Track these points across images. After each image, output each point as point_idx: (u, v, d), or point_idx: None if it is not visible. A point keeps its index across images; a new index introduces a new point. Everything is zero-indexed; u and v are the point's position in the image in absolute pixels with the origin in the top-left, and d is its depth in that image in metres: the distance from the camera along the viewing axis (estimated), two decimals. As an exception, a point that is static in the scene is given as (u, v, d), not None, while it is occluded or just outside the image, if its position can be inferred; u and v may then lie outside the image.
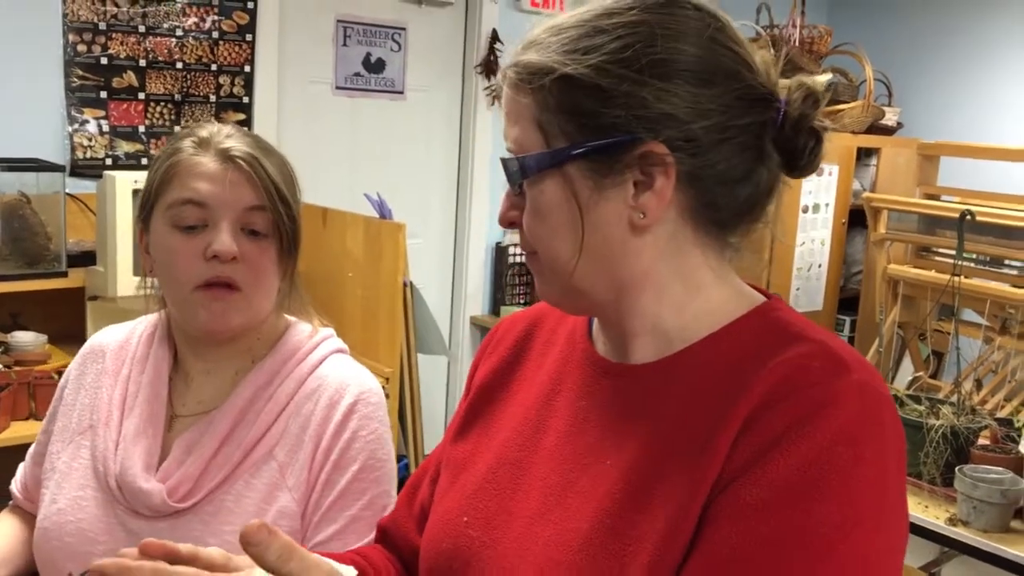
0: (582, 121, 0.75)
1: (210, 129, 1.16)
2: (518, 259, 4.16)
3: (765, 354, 0.75)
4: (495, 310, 4.16)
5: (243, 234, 1.13)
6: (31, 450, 1.31)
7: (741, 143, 0.77)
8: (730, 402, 0.73)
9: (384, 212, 3.02)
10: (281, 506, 1.11)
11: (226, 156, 1.13)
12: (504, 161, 0.80)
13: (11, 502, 1.32)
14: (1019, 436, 2.25)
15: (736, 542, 0.69)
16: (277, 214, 1.14)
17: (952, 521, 2.13)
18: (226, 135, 1.16)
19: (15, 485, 1.32)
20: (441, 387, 4.12)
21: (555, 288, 0.82)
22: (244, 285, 1.13)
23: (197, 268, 1.12)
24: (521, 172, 0.78)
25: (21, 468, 1.33)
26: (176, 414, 1.19)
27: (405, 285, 2.87)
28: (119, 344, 1.26)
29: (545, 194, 0.77)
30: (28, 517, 1.26)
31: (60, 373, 2.36)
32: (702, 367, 0.78)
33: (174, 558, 0.75)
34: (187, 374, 1.21)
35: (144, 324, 1.27)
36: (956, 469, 2.17)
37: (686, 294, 0.80)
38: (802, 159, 0.80)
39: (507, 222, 0.82)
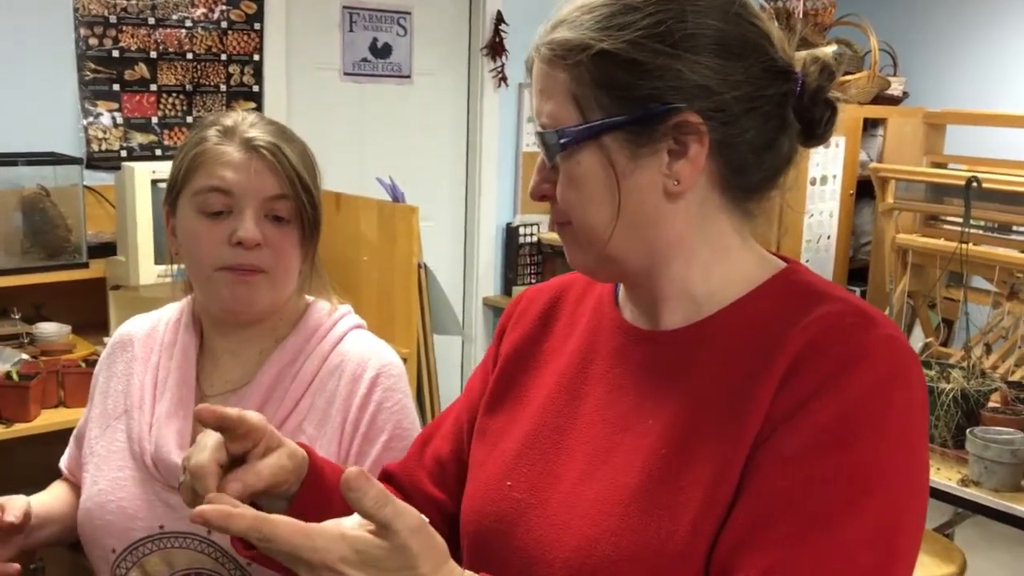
0: (619, 94, 0.79)
1: (235, 118, 1.20)
2: (529, 239, 4.20)
3: (795, 314, 0.80)
4: (507, 290, 4.20)
5: (266, 220, 1.17)
6: (75, 432, 1.36)
7: (767, 113, 0.81)
8: (767, 359, 0.78)
9: (397, 195, 3.05)
10: None
11: (250, 146, 1.16)
12: (541, 135, 0.82)
13: (62, 476, 1.38)
14: (1029, 398, 2.28)
15: (779, 488, 0.74)
16: (299, 202, 1.18)
17: (964, 482, 2.18)
18: (250, 124, 1.19)
19: (63, 463, 1.37)
20: (456, 366, 4.17)
21: (589, 257, 0.85)
22: (268, 268, 1.17)
23: (221, 252, 1.16)
24: (560, 145, 0.81)
25: (68, 448, 1.38)
26: (205, 394, 1.23)
27: (419, 267, 2.92)
28: (146, 333, 1.30)
29: (582, 165, 0.81)
30: (77, 489, 1.32)
31: (87, 362, 2.43)
32: (734, 329, 0.82)
33: (224, 423, 0.83)
34: (213, 354, 1.25)
35: (170, 312, 1.31)
36: (967, 431, 2.21)
37: (713, 259, 0.85)
38: (819, 128, 0.85)
39: (539, 195, 0.86)
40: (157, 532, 1.16)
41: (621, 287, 0.93)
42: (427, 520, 0.72)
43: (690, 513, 0.76)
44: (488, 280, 4.20)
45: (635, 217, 0.81)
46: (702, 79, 0.78)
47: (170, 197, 1.22)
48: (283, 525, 0.68)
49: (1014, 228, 3.34)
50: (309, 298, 1.29)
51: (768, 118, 0.81)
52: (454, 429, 1.02)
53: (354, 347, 1.23)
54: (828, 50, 0.85)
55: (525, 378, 0.96)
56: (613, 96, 0.79)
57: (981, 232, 3.36)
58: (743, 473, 0.76)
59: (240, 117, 1.20)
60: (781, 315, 0.81)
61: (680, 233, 0.83)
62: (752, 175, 0.83)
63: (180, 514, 1.15)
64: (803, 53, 0.84)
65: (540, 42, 0.84)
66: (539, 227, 4.25)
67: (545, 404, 0.92)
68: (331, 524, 0.71)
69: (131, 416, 1.22)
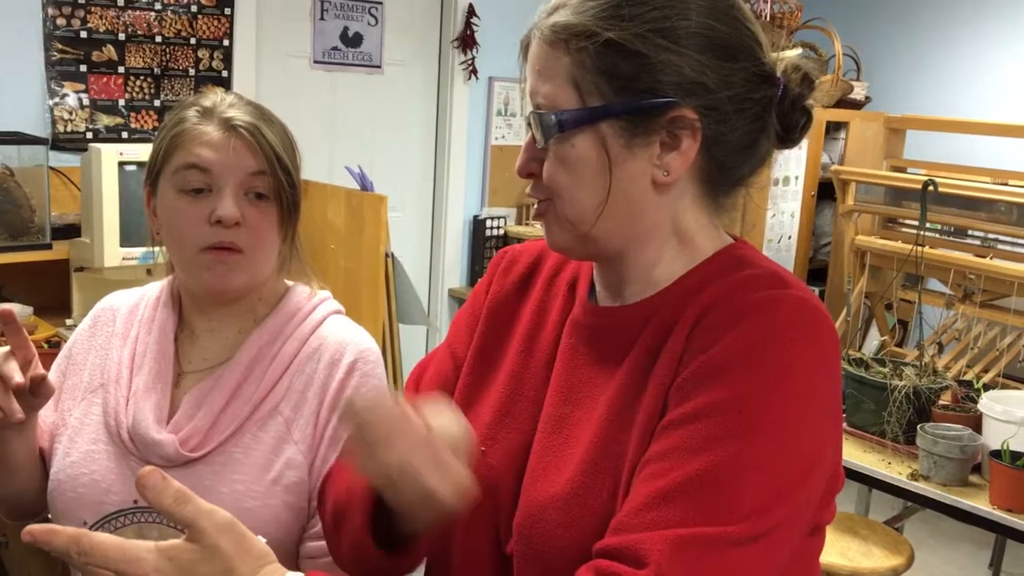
0: (619, 83, 0.82)
1: (213, 99, 1.21)
2: (495, 232, 4.22)
3: (718, 277, 0.85)
4: (472, 282, 4.22)
5: (246, 199, 1.18)
6: None
7: (753, 114, 0.85)
8: (682, 314, 0.83)
9: (366, 184, 3.06)
10: (288, 458, 1.17)
11: (229, 125, 1.18)
12: (539, 115, 0.84)
13: None
14: (979, 396, 2.35)
15: (674, 421, 0.78)
16: (277, 180, 1.19)
17: (914, 476, 2.24)
18: (229, 104, 1.20)
19: None
20: (421, 356, 4.17)
21: (569, 236, 0.88)
22: (247, 248, 1.18)
23: (202, 232, 1.17)
24: (558, 126, 0.83)
25: None
26: (183, 371, 1.24)
27: (387, 256, 2.93)
28: (129, 308, 1.31)
29: (576, 148, 0.83)
30: None
31: (49, 343, 2.41)
32: (674, 298, 0.87)
33: None
34: (192, 332, 1.26)
35: (154, 289, 1.32)
36: (918, 427, 2.27)
37: (680, 247, 0.89)
38: (795, 133, 0.89)
39: (526, 172, 0.88)
40: (131, 506, 1.17)
41: (596, 265, 0.97)
42: (237, 521, 0.70)
43: (626, 473, 0.80)
44: (454, 272, 4.22)
45: (621, 203, 0.84)
46: (700, 77, 0.81)
47: (150, 178, 1.22)
48: (99, 539, 0.67)
49: (969, 232, 3.42)
50: (289, 282, 1.30)
51: (753, 120, 0.85)
52: (438, 377, 1.04)
53: (333, 332, 1.25)
54: (793, 53, 0.88)
55: (498, 341, 1.00)
56: (614, 85, 0.82)
57: (937, 235, 3.44)
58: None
59: (219, 98, 1.21)
60: (709, 281, 0.85)
61: (659, 220, 0.86)
62: (733, 172, 0.87)
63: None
64: (787, 56, 0.88)
65: (541, 23, 0.85)
66: (506, 220, 4.27)
67: (518, 373, 0.96)
68: (148, 541, 0.70)
69: (107, 390, 1.23)
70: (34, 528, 0.67)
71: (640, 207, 0.85)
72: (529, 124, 0.86)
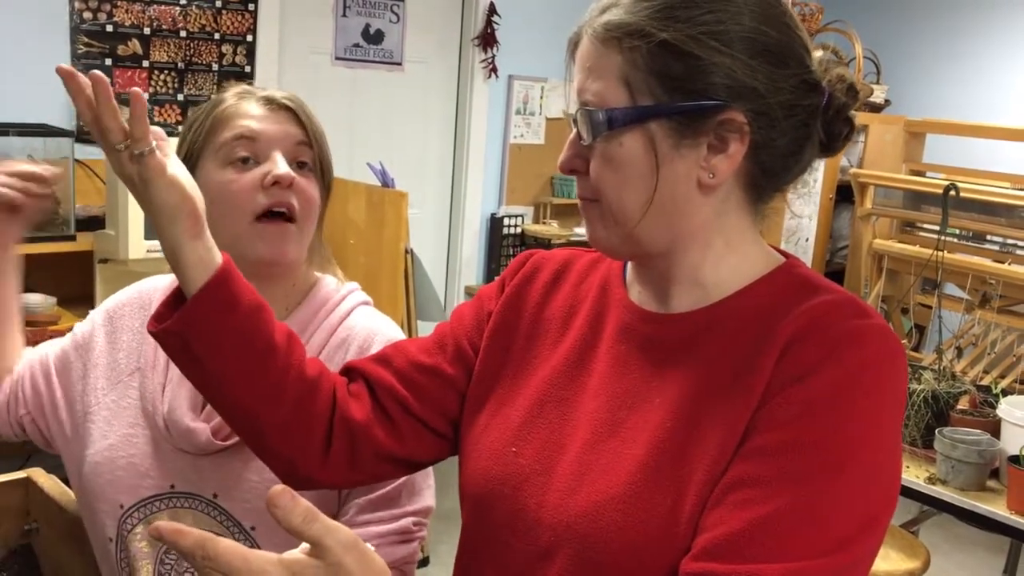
0: (671, 84, 0.82)
1: (248, 86, 1.25)
2: (512, 230, 4.24)
3: (796, 300, 0.85)
4: (489, 280, 4.24)
5: (293, 166, 1.20)
6: (52, 353, 1.32)
7: (799, 121, 0.86)
8: (768, 337, 0.83)
9: (387, 181, 3.08)
10: None
11: (270, 100, 1.21)
12: (588, 112, 0.85)
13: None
14: (997, 401, 2.35)
15: (766, 448, 0.79)
16: (319, 151, 1.22)
17: (931, 480, 2.24)
18: (261, 88, 1.24)
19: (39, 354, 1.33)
20: (436, 354, 4.20)
21: (613, 235, 0.89)
22: (299, 215, 1.20)
23: (255, 197, 1.17)
24: (607, 124, 0.84)
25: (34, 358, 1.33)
26: None
27: (406, 252, 2.95)
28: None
29: (624, 146, 0.84)
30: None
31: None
32: (738, 313, 0.87)
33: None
34: None
35: None
36: (936, 431, 2.27)
37: (726, 250, 0.89)
38: (837, 142, 0.90)
39: (569, 169, 0.89)
40: (168, 491, 1.18)
41: (630, 267, 0.97)
42: (360, 539, 0.71)
43: (697, 483, 0.81)
44: (471, 269, 4.24)
45: (667, 203, 0.85)
46: (751, 81, 0.82)
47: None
48: (224, 545, 0.67)
49: (988, 237, 3.42)
50: (317, 274, 1.32)
51: (800, 126, 0.86)
52: (436, 344, 1.03)
53: (361, 322, 1.26)
54: (816, 56, 0.89)
55: (524, 344, 0.99)
56: (665, 85, 0.82)
57: (955, 240, 3.43)
58: (742, 440, 0.80)
59: (253, 86, 1.24)
60: (782, 301, 0.85)
61: (703, 223, 0.87)
62: (778, 178, 0.88)
63: (189, 476, 1.18)
64: (832, 68, 0.89)
65: (593, 21, 0.86)
66: (523, 218, 4.28)
67: (551, 376, 0.95)
68: (271, 553, 0.71)
69: (144, 374, 1.24)
70: (162, 525, 0.68)
71: (685, 207, 0.86)
72: (575, 121, 0.87)
